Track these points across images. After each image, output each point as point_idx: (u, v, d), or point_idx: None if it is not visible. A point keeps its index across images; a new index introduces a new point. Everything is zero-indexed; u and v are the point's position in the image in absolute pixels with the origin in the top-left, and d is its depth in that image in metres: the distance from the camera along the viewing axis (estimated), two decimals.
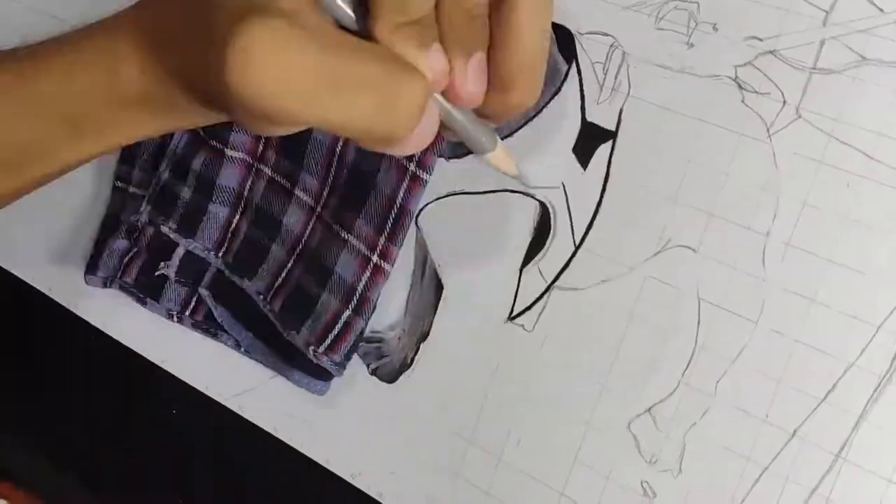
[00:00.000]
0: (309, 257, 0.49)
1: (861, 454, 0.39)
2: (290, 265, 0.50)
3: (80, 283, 0.57)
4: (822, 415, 0.40)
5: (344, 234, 0.48)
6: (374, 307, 0.48)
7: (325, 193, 0.49)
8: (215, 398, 0.54)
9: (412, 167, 0.47)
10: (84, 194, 0.59)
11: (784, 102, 0.41)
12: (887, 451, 0.39)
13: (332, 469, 0.50)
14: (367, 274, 0.47)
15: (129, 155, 0.56)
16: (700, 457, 0.42)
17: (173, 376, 0.55)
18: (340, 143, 0.49)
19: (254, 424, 0.53)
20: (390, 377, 0.49)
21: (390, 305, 0.49)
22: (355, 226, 0.47)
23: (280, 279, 0.50)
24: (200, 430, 0.55)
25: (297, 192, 0.50)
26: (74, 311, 0.58)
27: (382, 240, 0.47)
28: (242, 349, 0.52)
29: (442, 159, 0.48)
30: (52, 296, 0.59)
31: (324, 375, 0.49)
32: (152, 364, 0.56)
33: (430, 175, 0.47)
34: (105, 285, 0.55)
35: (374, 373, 0.49)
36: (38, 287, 0.60)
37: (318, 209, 0.50)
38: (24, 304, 0.60)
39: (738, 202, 0.42)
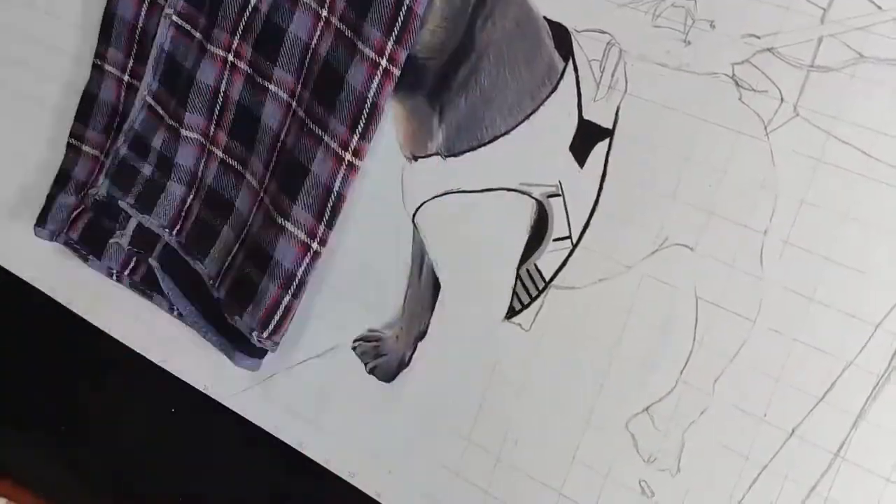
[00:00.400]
0: (251, 243, 0.50)
1: (859, 453, 0.39)
2: (234, 250, 0.51)
3: (81, 282, 0.57)
4: (820, 414, 0.40)
5: (281, 221, 0.49)
6: (306, 288, 0.50)
7: (266, 178, 0.50)
8: (215, 398, 0.54)
9: (348, 156, 0.47)
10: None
11: (782, 100, 0.41)
12: (885, 450, 0.39)
13: (330, 468, 0.50)
14: (307, 260, 0.49)
15: (84, 114, 0.57)
16: (698, 456, 0.42)
17: (173, 376, 0.55)
18: (286, 128, 0.49)
19: (253, 424, 0.53)
20: (388, 376, 0.49)
21: (388, 304, 0.49)
22: (292, 213, 0.48)
23: (226, 264, 0.51)
24: (200, 429, 0.55)
25: (248, 175, 0.51)
26: (74, 310, 0.58)
27: (322, 227, 0.48)
28: (175, 312, 0.54)
29: (438, 157, 0.48)
30: (52, 295, 0.59)
31: (259, 354, 0.51)
32: (152, 364, 0.56)
33: (362, 162, 0.48)
34: (52, 239, 0.57)
35: (371, 372, 0.49)
36: (39, 287, 0.60)
37: (262, 194, 0.50)
38: (25, 304, 0.60)
39: (735, 200, 0.42)
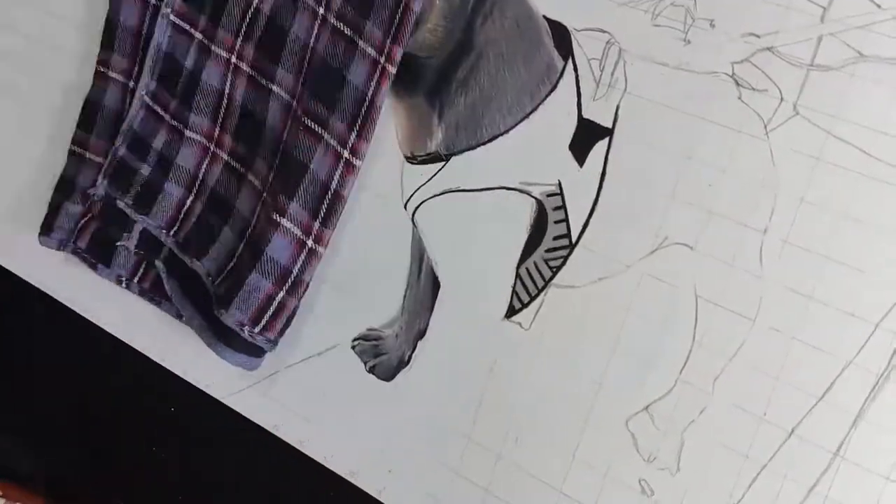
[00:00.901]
0: (252, 242, 0.50)
1: (859, 452, 0.39)
2: (239, 250, 0.51)
3: (79, 280, 0.57)
4: (819, 413, 0.40)
5: (277, 217, 0.48)
6: (308, 287, 0.50)
7: (269, 179, 0.50)
8: (215, 396, 0.54)
9: (346, 154, 0.47)
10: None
11: (781, 99, 0.41)
12: (885, 450, 0.39)
13: (331, 467, 0.50)
14: (303, 257, 0.49)
15: (86, 121, 0.56)
16: (698, 455, 0.42)
17: (173, 374, 0.55)
18: (286, 132, 0.49)
19: (253, 423, 0.53)
20: (388, 375, 0.49)
21: (387, 303, 0.49)
22: (289, 210, 0.48)
23: (230, 265, 0.51)
24: (200, 428, 0.55)
25: (250, 176, 0.51)
26: (73, 308, 0.58)
27: (317, 224, 0.48)
28: (184, 320, 0.53)
29: (438, 156, 0.48)
30: (51, 293, 0.59)
31: (257, 352, 0.51)
32: (152, 362, 0.56)
33: (362, 162, 0.47)
34: (59, 248, 0.56)
35: (371, 371, 0.49)
36: (39, 287, 0.60)
37: (264, 194, 0.50)
38: (24, 303, 0.60)
39: (735, 199, 0.42)
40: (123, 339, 0.57)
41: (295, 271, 0.49)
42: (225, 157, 0.52)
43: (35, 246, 0.57)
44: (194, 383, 0.54)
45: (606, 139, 0.44)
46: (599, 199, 0.44)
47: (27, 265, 0.60)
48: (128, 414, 0.57)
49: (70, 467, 0.58)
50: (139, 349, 0.56)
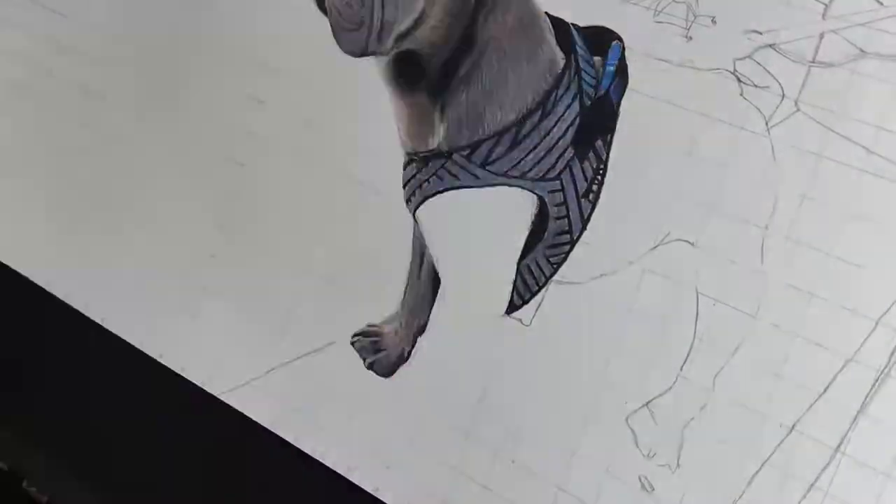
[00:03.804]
0: None
1: (859, 449, 0.39)
2: None
3: (77, 278, 0.57)
4: (820, 409, 0.40)
5: None
6: None
7: None
8: (212, 392, 0.54)
9: None
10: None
11: (783, 96, 0.41)
12: (886, 446, 0.39)
13: (328, 464, 0.50)
14: None
15: None
16: (698, 451, 0.42)
17: (171, 371, 0.55)
18: None
19: (250, 419, 0.53)
20: (387, 371, 0.49)
21: (387, 299, 0.49)
22: None
23: None
24: (197, 425, 0.55)
25: None
26: (74, 306, 0.58)
27: None
28: None
29: (440, 152, 0.48)
30: (51, 291, 0.59)
31: None
32: (150, 359, 0.56)
33: None
34: None
35: (370, 367, 0.49)
36: (39, 283, 0.60)
37: None
38: (27, 301, 0.60)
39: (736, 196, 0.42)
40: (121, 336, 0.57)
41: None
42: None
43: (32, 243, 0.57)
44: (192, 380, 0.54)
45: (608, 135, 0.44)
46: (601, 195, 0.44)
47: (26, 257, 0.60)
48: (126, 412, 0.57)
49: (71, 468, 0.58)
50: (136, 346, 0.56)
